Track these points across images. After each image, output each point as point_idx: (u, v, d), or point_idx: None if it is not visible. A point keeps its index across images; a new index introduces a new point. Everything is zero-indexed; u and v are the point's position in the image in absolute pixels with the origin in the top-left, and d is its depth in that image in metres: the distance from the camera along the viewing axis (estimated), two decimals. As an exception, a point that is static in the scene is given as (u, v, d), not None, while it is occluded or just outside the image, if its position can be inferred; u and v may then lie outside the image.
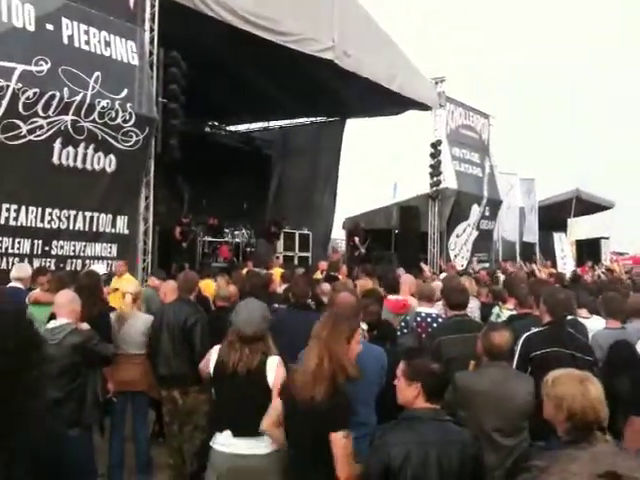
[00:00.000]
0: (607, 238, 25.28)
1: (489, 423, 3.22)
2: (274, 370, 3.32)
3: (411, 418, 2.52)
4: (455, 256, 16.98)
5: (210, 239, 14.43)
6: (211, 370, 3.43)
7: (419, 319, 4.98)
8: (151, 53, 9.08)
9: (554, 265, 18.50)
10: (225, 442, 3.33)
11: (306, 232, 16.25)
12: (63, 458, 1.61)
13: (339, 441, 2.71)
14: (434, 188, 16.43)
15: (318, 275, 9.93)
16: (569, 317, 4.74)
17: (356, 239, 16.35)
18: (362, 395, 3.41)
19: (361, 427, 3.36)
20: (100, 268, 7.61)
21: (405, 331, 4.97)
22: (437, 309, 5.23)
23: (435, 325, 4.88)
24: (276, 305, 5.63)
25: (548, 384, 2.46)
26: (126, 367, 5.07)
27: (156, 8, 8.98)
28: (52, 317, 4.33)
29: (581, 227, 24.26)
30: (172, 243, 12.23)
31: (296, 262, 14.86)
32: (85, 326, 4.33)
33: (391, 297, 5.65)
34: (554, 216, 23.52)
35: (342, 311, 3.54)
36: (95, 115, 8.05)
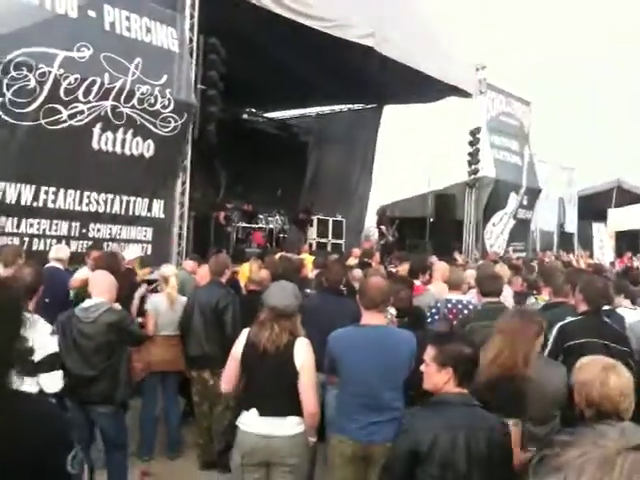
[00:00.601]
0: (647, 230, 24.64)
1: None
2: (302, 352, 3.36)
3: (441, 403, 2.53)
4: (491, 245, 16.79)
5: (244, 225, 14.55)
6: (240, 350, 3.47)
7: (450, 305, 4.99)
8: (191, 40, 9.13)
9: (592, 256, 18.17)
10: (251, 422, 3.39)
11: (340, 219, 16.25)
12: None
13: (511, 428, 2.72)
14: (472, 176, 16.24)
15: (351, 262, 9.94)
16: (606, 307, 4.67)
17: (382, 227, 16.33)
18: (392, 379, 3.46)
19: (389, 411, 3.41)
20: (135, 251, 7.73)
21: (436, 317, 4.98)
22: (470, 296, 5.22)
23: (466, 312, 4.88)
24: (308, 290, 5.68)
25: (576, 369, 2.47)
26: (164, 348, 5.20)
27: (196, -2, 9.04)
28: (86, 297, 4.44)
29: (622, 218, 23.71)
30: (212, 228, 12.35)
31: (329, 249, 14.89)
32: (117, 306, 4.45)
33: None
34: (594, 206, 23.04)
35: (372, 295, 3.59)
36: (135, 101, 8.17)
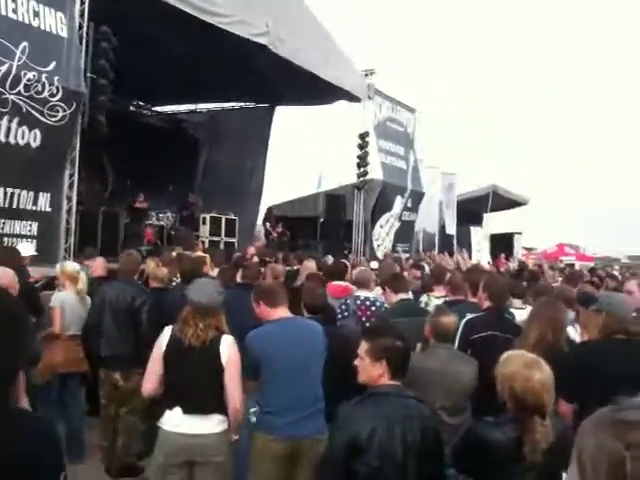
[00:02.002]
0: (520, 233, 26.49)
1: (436, 401, 3.35)
2: (228, 348, 3.34)
3: (376, 394, 2.59)
4: (378, 246, 17.33)
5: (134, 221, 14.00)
6: (163, 347, 3.39)
7: (358, 302, 5.12)
8: (81, 26, 8.71)
9: (470, 257, 19.24)
10: (174, 421, 3.32)
11: (232, 217, 16.10)
12: None
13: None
14: (361, 179, 16.68)
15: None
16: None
17: (267, 224, 16.44)
18: (314, 370, 3.54)
19: (316, 403, 3.50)
20: (28, 247, 7.21)
21: (346, 314, 5.09)
22: (374, 294, 5.38)
23: (373, 308, 5.04)
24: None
25: (500, 362, 2.60)
26: (70, 348, 4.94)
27: (88, -19, 8.61)
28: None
29: (496, 222, 25.31)
30: (99, 223, 11.78)
31: (222, 247, 14.70)
32: None
33: (334, 282, 5.74)
34: (471, 210, 24.39)
35: (270, 289, 3.66)
36: (21, 87, 7.64)
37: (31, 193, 8.24)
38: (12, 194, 7.98)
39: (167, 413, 3.36)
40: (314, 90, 15.09)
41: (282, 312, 3.62)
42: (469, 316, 4.22)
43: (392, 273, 5.08)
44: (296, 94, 16.46)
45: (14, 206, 8.03)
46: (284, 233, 16.64)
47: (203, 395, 3.30)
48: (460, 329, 4.07)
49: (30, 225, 8.31)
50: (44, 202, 8.46)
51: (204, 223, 15.20)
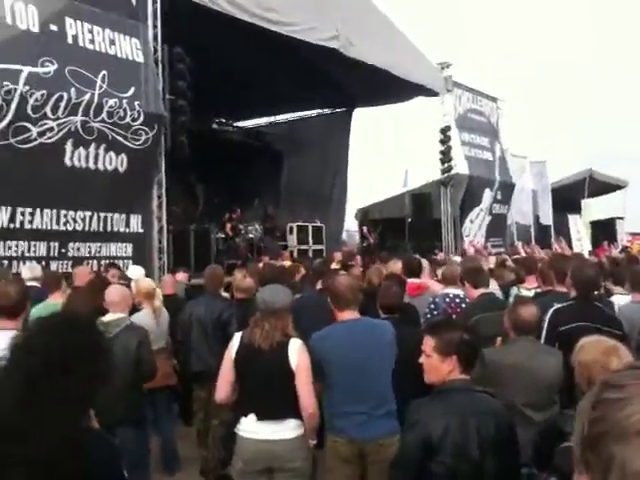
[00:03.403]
0: (622, 218, 24.98)
1: (520, 398, 3.18)
2: (297, 353, 3.31)
3: (446, 391, 2.48)
4: (470, 242, 16.86)
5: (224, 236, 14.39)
6: (233, 353, 3.41)
7: (448, 300, 4.98)
8: (155, 50, 9.05)
9: (571, 247, 18.33)
10: (249, 428, 3.33)
11: (319, 225, 16.20)
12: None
13: None
14: (445, 174, 16.35)
15: (334, 266, 9.89)
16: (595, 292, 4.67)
17: (364, 229, 16.33)
18: (382, 370, 3.47)
19: (386, 404, 3.44)
20: (138, 271, 7.48)
21: (435, 313, 4.96)
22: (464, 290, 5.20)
23: (464, 305, 4.88)
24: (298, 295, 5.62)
25: (576, 350, 2.45)
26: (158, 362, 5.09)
27: (158, 4, 8.94)
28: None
29: (595, 208, 24.05)
30: (191, 241, 12.17)
31: (310, 255, 14.82)
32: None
33: (409, 280, 5.61)
34: (568, 198, 23.29)
35: (338, 292, 3.55)
36: (104, 115, 8.03)
37: (123, 216, 8.61)
38: (105, 218, 8.38)
39: (242, 420, 3.36)
40: (390, 88, 14.99)
41: (349, 314, 3.55)
42: (556, 306, 3.97)
43: (471, 267, 4.88)
44: (372, 95, 16.40)
45: (108, 229, 8.43)
46: (379, 236, 16.56)
47: (276, 400, 3.28)
48: (547, 320, 3.85)
49: (125, 247, 8.69)
50: (136, 223, 8.82)
51: (291, 233, 15.39)
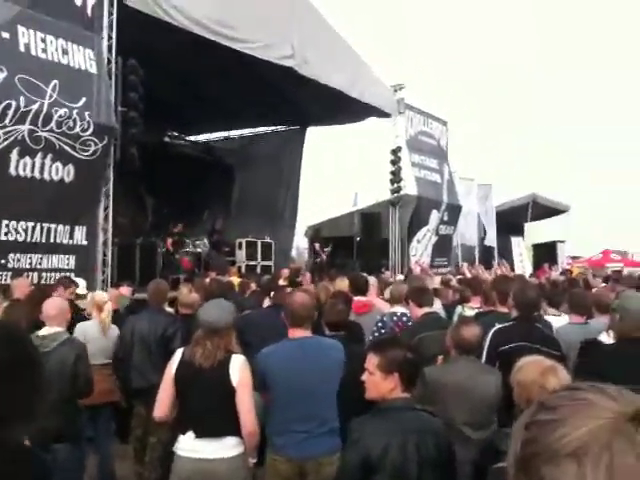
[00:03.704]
0: (563, 242, 25.85)
1: (459, 416, 3.26)
2: (238, 369, 3.29)
3: (388, 409, 2.52)
4: (416, 262, 17.15)
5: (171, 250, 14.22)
6: (173, 370, 3.37)
7: (395, 318, 5.06)
8: (109, 61, 8.96)
9: (513, 269, 18.84)
10: (187, 446, 3.28)
11: (268, 241, 16.19)
12: None
13: None
14: (395, 194, 16.62)
15: (281, 282, 9.92)
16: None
17: (316, 246, 16.41)
18: (326, 389, 3.45)
19: (327, 423, 3.42)
20: (79, 284, 7.35)
21: (383, 331, 5.03)
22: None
23: (411, 324, 4.97)
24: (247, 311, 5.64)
25: (515, 370, 2.53)
26: (97, 378, 4.98)
27: (114, 15, 8.86)
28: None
29: (538, 231, 24.77)
30: (137, 254, 11.98)
31: (259, 271, 14.78)
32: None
33: (356, 298, 5.69)
34: (511, 220, 23.97)
35: (292, 309, 3.56)
36: (53, 124, 7.88)
37: (67, 227, 8.43)
38: (49, 229, 8.18)
39: (181, 438, 3.32)
40: (343, 108, 15.18)
41: (300, 332, 3.54)
42: (497, 326, 4.11)
43: (416, 287, 4.99)
44: (326, 114, 16.57)
45: (51, 241, 8.22)
46: (332, 253, 16.61)
47: (215, 418, 3.25)
48: (488, 340, 3.97)
49: (68, 259, 8.50)
50: (80, 236, 8.64)
51: (240, 248, 15.31)
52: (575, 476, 0.74)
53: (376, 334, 5.05)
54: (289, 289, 6.50)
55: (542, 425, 0.82)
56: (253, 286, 7.50)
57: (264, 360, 3.45)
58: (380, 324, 5.19)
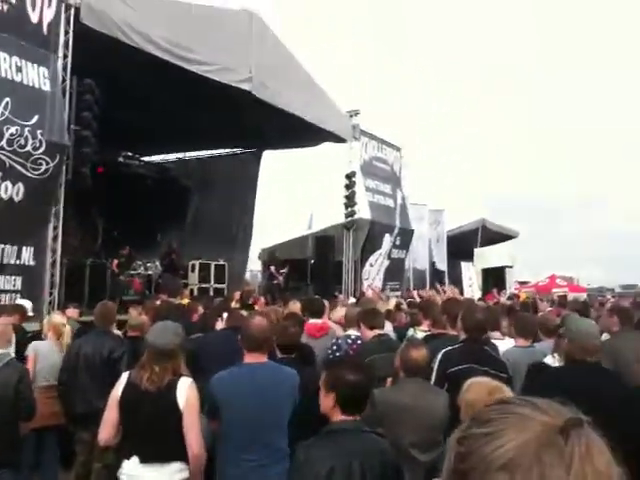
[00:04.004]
0: (511, 267, 26.51)
1: (407, 438, 3.30)
2: (185, 392, 3.26)
3: (332, 431, 2.55)
4: (369, 286, 17.32)
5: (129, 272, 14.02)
6: (119, 394, 3.31)
7: (350, 341, 5.12)
8: (64, 80, 8.88)
9: (462, 293, 19.20)
10: (131, 472, 3.23)
11: (222, 263, 16.12)
12: None
13: None
14: (349, 218, 16.82)
15: (234, 305, 9.90)
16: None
17: (272, 268, 16.39)
18: (276, 419, 3.40)
19: (275, 453, 3.34)
20: (25, 305, 7.16)
21: (337, 354, 5.07)
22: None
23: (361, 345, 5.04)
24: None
25: (463, 390, 2.61)
26: (44, 401, 4.86)
27: (70, 34, 8.81)
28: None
29: (487, 256, 25.35)
30: (86, 275, 11.75)
31: (211, 293, 14.68)
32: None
33: (311, 321, 5.73)
34: (461, 246, 24.49)
35: (255, 336, 3.51)
36: (3, 142, 7.75)
37: (15, 247, 8.23)
38: (-5, 248, 7.98)
39: (125, 463, 3.26)
40: (299, 133, 15.34)
41: (255, 357, 3.50)
42: (446, 349, 4.20)
43: (367, 309, 5.08)
44: (282, 137, 16.69)
45: (-3, 261, 8.03)
46: (287, 276, 16.59)
47: (160, 443, 3.20)
48: (437, 362, 4.06)
49: (14, 280, 8.28)
50: (28, 256, 8.45)
51: (192, 270, 15.19)
52: None
53: (330, 357, 5.10)
54: (243, 312, 6.52)
55: (475, 439, 0.82)
56: (200, 309, 7.44)
57: (215, 386, 3.41)
58: (335, 347, 5.24)
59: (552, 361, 4.51)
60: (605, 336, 5.00)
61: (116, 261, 12.83)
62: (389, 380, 3.74)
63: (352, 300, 10.02)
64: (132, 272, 14.17)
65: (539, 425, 0.79)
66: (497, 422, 0.82)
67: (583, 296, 21.56)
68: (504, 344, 5.39)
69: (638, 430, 2.59)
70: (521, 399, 0.89)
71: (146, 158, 19.53)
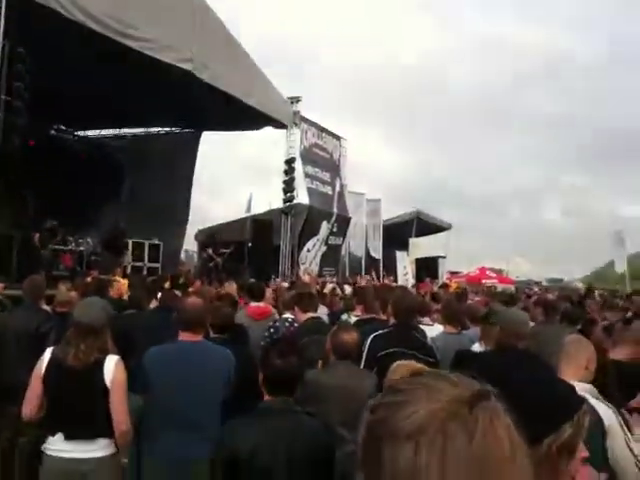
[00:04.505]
0: (444, 257, 27.24)
1: (335, 417, 3.41)
2: (112, 370, 3.26)
3: (264, 410, 2.62)
4: (305, 270, 17.49)
5: (53, 247, 13.61)
6: (43, 370, 3.28)
7: (287, 324, 5.20)
8: (-6, 47, 8.52)
9: (396, 281, 19.64)
10: (57, 446, 3.22)
11: (156, 242, 15.88)
12: None
13: None
14: (287, 203, 16.89)
15: (167, 285, 9.81)
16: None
17: (209, 250, 16.27)
18: (203, 396, 3.46)
19: (199, 430, 3.39)
20: None
21: (275, 337, 5.14)
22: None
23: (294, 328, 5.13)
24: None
25: (390, 371, 2.73)
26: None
27: (3, 2, 8.45)
28: None
29: (420, 246, 25.95)
30: (14, 249, 11.37)
31: (145, 272, 14.47)
32: None
33: (253, 304, 5.78)
34: (397, 235, 24.98)
35: (184, 312, 3.59)
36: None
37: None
38: None
39: (50, 438, 3.24)
40: (239, 116, 15.22)
41: (189, 336, 3.55)
42: (376, 333, 4.34)
43: (301, 293, 5.18)
44: (222, 120, 16.55)
45: None
46: (226, 257, 16.44)
47: (86, 420, 3.20)
48: (367, 346, 4.19)
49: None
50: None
51: (126, 248, 14.91)
52: (411, 458, 0.77)
53: (268, 340, 5.16)
54: (177, 292, 6.50)
55: (387, 407, 0.84)
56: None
57: (146, 360, 3.44)
58: (272, 330, 5.32)
59: (479, 348, 4.72)
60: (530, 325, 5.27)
61: (38, 235, 12.37)
62: (320, 362, 3.84)
63: (284, 284, 10.11)
64: (63, 247, 13.79)
65: (448, 397, 0.81)
66: (408, 392, 0.84)
67: (511, 288, 22.41)
68: (433, 330, 5.60)
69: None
70: (435, 372, 0.94)
71: (81, 133, 18.96)
